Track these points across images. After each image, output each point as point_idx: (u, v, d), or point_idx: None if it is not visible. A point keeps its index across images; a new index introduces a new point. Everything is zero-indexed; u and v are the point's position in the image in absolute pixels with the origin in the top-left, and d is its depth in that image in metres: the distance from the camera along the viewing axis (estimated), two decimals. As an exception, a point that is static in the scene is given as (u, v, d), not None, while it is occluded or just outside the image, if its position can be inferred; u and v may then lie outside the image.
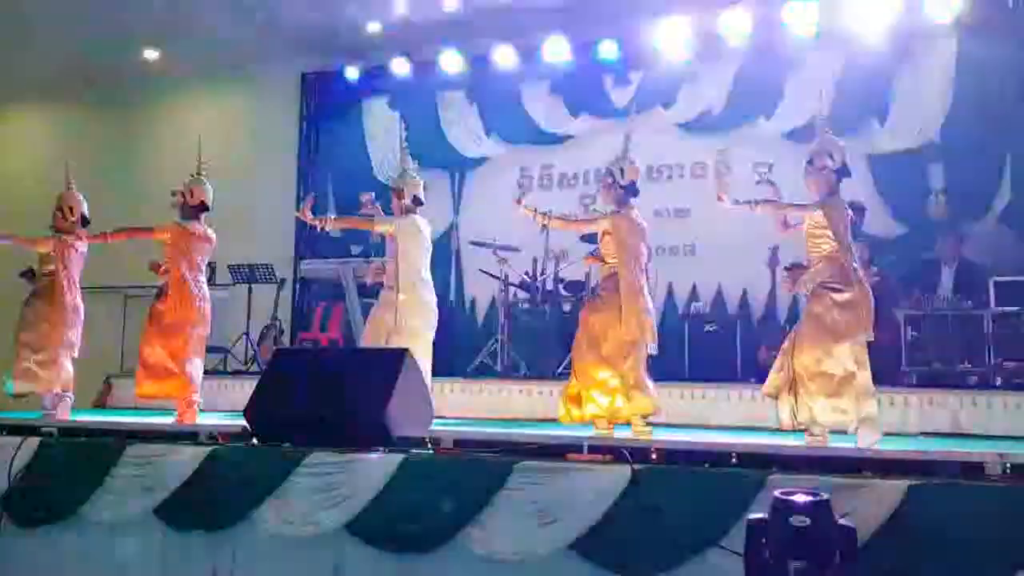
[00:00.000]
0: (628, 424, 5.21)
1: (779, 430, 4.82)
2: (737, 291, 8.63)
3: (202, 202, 6.29)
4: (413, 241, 6.08)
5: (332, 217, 6.20)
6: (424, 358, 5.84)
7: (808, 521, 3.23)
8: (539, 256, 8.49)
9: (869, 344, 4.88)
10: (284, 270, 9.84)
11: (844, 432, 4.68)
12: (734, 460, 4.03)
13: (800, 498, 3.29)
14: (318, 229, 6.27)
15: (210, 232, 6.34)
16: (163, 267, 6.34)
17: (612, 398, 5.23)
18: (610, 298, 5.39)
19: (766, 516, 3.32)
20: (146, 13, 9.28)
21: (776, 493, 3.36)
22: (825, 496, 3.30)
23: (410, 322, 5.92)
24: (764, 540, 3.27)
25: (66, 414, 6.19)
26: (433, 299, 6.12)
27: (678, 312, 8.76)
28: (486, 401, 7.43)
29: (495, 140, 9.95)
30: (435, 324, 6.08)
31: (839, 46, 8.57)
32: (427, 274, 6.14)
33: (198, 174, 6.40)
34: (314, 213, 6.17)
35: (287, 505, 4.32)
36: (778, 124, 8.73)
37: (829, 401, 4.69)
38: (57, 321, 6.31)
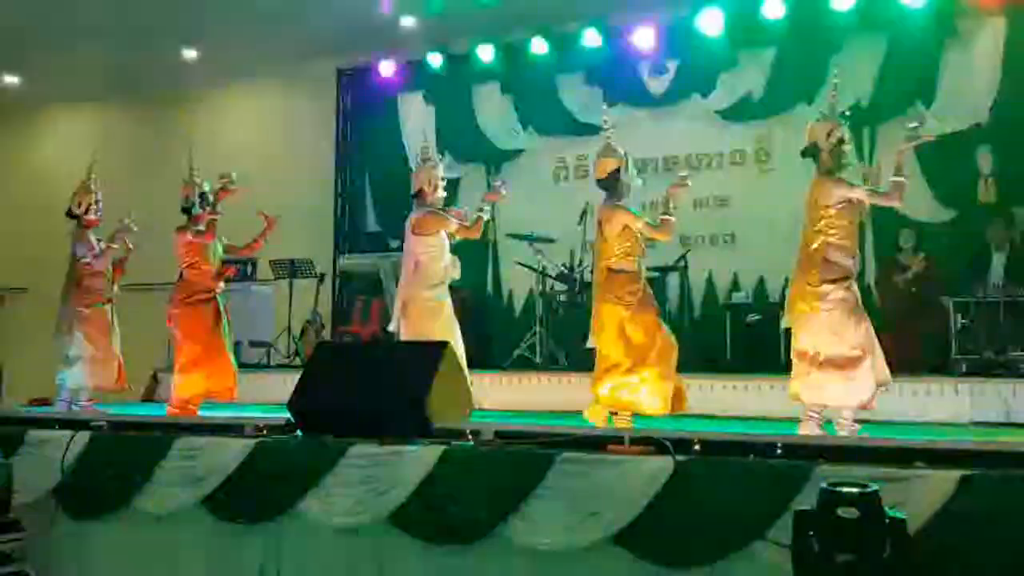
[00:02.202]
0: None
1: (827, 421, 4.78)
2: (780, 280, 8.49)
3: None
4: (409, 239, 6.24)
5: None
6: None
7: (857, 512, 3.16)
8: (576, 247, 8.44)
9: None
10: (324, 265, 9.91)
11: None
12: (779, 451, 3.96)
13: (848, 489, 3.23)
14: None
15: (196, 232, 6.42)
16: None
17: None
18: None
19: (814, 508, 3.26)
20: (184, 13, 9.39)
21: (823, 484, 3.30)
22: (874, 487, 3.23)
23: (452, 317, 6.01)
24: (812, 532, 3.22)
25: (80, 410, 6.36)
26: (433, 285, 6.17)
27: (719, 302, 8.67)
28: (525, 394, 7.42)
29: (531, 132, 9.92)
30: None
31: (883, 27, 8.43)
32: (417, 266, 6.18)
33: (190, 177, 6.52)
34: None
35: (331, 496, 4.33)
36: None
37: None
38: (69, 320, 6.55)
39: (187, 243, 6.31)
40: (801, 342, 4.88)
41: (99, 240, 6.77)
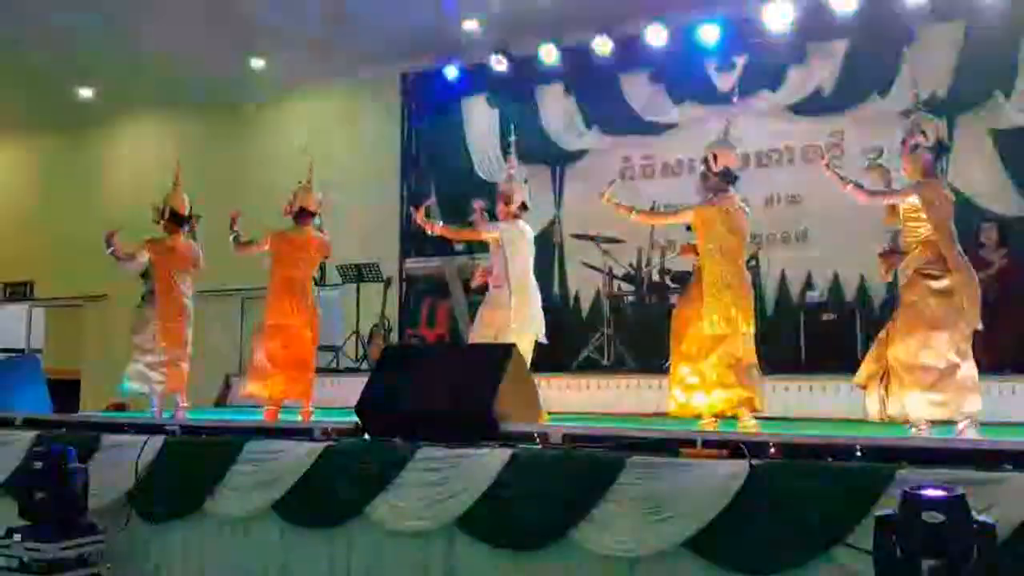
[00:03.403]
0: (734, 418, 5.12)
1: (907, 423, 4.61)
2: (855, 278, 8.28)
3: (302, 208, 6.37)
4: (520, 245, 6.07)
5: (440, 224, 6.23)
6: (526, 357, 5.84)
7: (942, 517, 3.03)
8: (644, 247, 8.34)
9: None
10: (390, 268, 9.99)
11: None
12: (859, 454, 3.83)
13: (933, 493, 3.10)
14: (428, 232, 6.34)
15: (315, 235, 6.40)
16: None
17: (689, 395, 5.12)
18: (697, 295, 5.26)
19: (896, 512, 3.14)
20: (252, 21, 9.57)
21: (907, 488, 3.17)
22: (960, 491, 3.10)
23: (519, 323, 5.89)
24: (895, 537, 3.09)
25: (180, 415, 6.43)
26: (539, 300, 6.09)
27: (792, 301, 8.47)
28: (593, 396, 7.36)
29: (595, 132, 9.86)
30: (543, 324, 6.05)
31: (958, 15, 8.15)
32: (532, 276, 6.13)
33: (308, 181, 6.49)
34: (427, 216, 6.24)
35: (399, 500, 4.34)
36: (894, 102, 8.32)
37: (926, 395, 4.48)
38: (163, 322, 6.50)
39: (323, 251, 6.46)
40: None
41: None
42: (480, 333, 6.03)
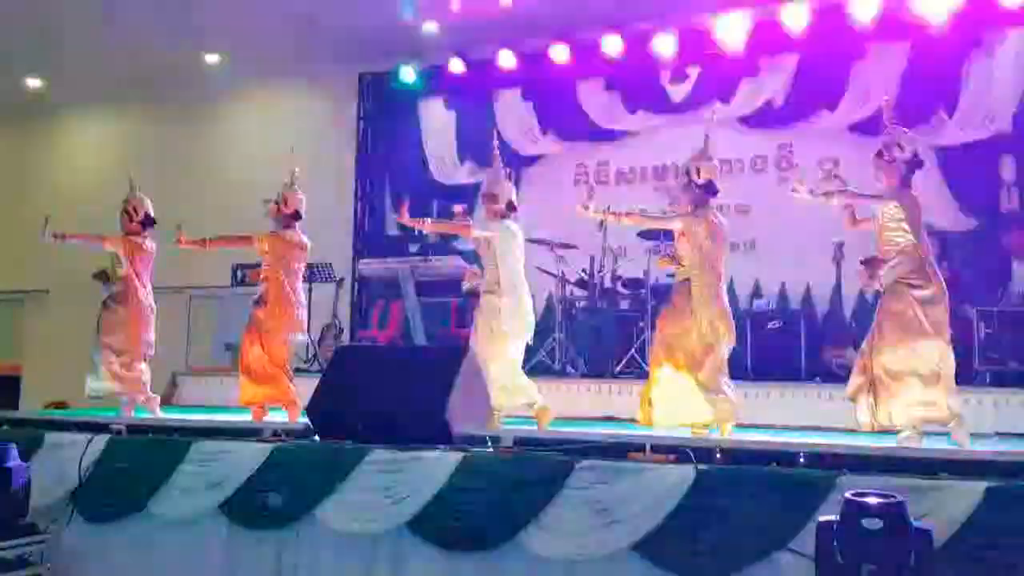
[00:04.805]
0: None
1: (850, 431, 4.73)
2: (800, 287, 8.46)
3: (296, 211, 6.37)
4: (511, 246, 5.93)
5: (430, 220, 6.08)
6: (517, 359, 5.86)
7: (881, 523, 3.13)
8: (596, 254, 8.40)
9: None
10: (343, 269, 9.93)
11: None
12: (802, 460, 3.93)
13: (873, 500, 3.20)
14: (415, 230, 6.20)
15: (305, 239, 6.40)
16: (262, 274, 6.42)
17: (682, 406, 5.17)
18: (684, 305, 5.29)
19: (837, 518, 3.23)
20: (207, 18, 9.45)
21: (847, 494, 3.27)
22: (899, 498, 3.20)
23: (513, 325, 5.80)
24: (835, 543, 3.19)
25: (157, 411, 6.45)
26: (530, 302, 6.01)
27: (740, 309, 8.61)
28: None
29: (551, 138, 9.91)
30: (533, 326, 5.98)
31: (904, 35, 8.36)
32: (523, 278, 6.01)
33: (292, 183, 6.45)
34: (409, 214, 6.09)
35: (349, 502, 4.34)
36: (842, 116, 8.55)
37: (917, 400, 4.57)
38: (136, 323, 6.45)
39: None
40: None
41: None
42: (479, 340, 5.81)
